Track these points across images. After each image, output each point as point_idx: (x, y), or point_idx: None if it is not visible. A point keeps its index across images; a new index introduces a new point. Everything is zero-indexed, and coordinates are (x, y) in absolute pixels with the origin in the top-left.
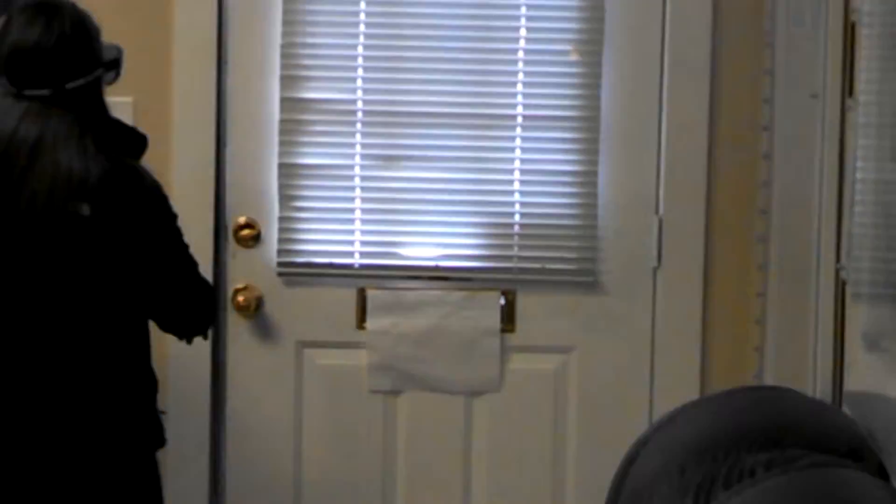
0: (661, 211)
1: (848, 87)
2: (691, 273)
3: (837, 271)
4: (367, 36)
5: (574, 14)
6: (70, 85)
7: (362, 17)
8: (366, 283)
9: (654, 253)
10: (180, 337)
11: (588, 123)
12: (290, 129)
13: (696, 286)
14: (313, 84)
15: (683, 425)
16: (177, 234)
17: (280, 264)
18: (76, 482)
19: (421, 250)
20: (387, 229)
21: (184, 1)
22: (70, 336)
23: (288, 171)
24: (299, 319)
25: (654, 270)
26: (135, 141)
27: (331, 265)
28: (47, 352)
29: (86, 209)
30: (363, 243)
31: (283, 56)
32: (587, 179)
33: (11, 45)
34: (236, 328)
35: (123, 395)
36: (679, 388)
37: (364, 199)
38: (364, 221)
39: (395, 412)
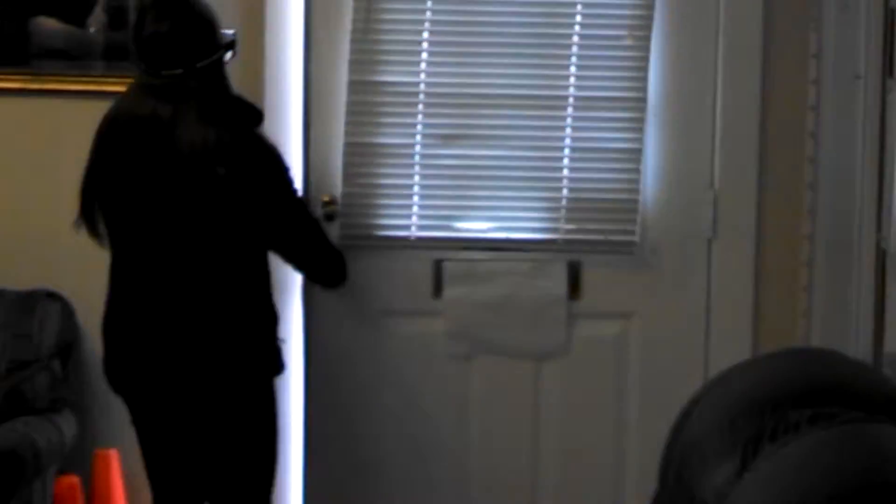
0: (717, 186)
1: (889, 69)
2: (744, 244)
3: (878, 241)
4: (432, 23)
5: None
6: (200, 64)
7: (429, 3)
8: (439, 254)
9: (710, 225)
10: (314, 281)
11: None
12: (358, 111)
13: (749, 256)
14: (380, 65)
15: (734, 384)
16: (291, 186)
17: (343, 237)
18: (205, 403)
19: (487, 223)
20: (467, 203)
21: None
22: (204, 273)
23: (353, 150)
24: (379, 289)
25: (710, 242)
26: (253, 113)
27: (406, 238)
28: (184, 286)
29: (221, 170)
30: (434, 217)
31: (353, 41)
32: (640, 157)
33: (149, 35)
34: (321, 298)
35: (247, 325)
36: (732, 350)
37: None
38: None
39: (471, 375)
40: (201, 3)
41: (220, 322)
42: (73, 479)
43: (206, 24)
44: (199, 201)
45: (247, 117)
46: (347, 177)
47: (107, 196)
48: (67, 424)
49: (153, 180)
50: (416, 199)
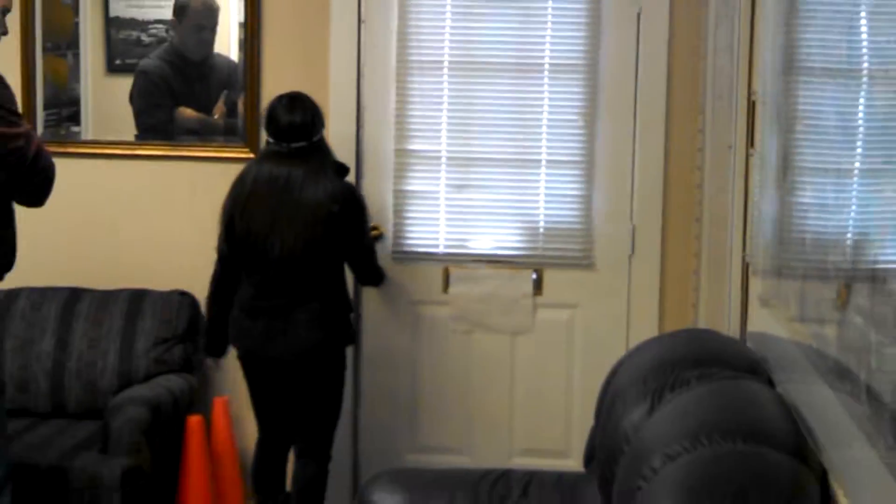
0: (634, 220)
1: (751, 141)
2: (652, 260)
3: (744, 257)
4: (449, 110)
5: (579, 95)
6: (315, 138)
7: (446, 93)
8: (448, 264)
9: (630, 246)
10: (365, 284)
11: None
12: (400, 168)
13: (656, 268)
14: (414, 138)
15: (646, 352)
16: (367, 222)
17: (394, 252)
18: (303, 364)
19: (482, 243)
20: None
21: (335, 90)
22: (311, 277)
23: (398, 194)
24: (408, 286)
25: (630, 258)
26: (345, 169)
27: (426, 253)
28: (297, 284)
29: (336, 208)
30: (452, 239)
31: (396, 120)
32: (586, 200)
33: (286, 123)
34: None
35: (334, 311)
36: (644, 330)
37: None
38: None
39: (468, 345)
40: (311, 98)
41: (318, 309)
42: (199, 418)
43: (318, 112)
44: (319, 229)
45: (343, 171)
46: (396, 213)
47: (249, 225)
48: (195, 380)
49: (289, 216)
50: (439, 227)
